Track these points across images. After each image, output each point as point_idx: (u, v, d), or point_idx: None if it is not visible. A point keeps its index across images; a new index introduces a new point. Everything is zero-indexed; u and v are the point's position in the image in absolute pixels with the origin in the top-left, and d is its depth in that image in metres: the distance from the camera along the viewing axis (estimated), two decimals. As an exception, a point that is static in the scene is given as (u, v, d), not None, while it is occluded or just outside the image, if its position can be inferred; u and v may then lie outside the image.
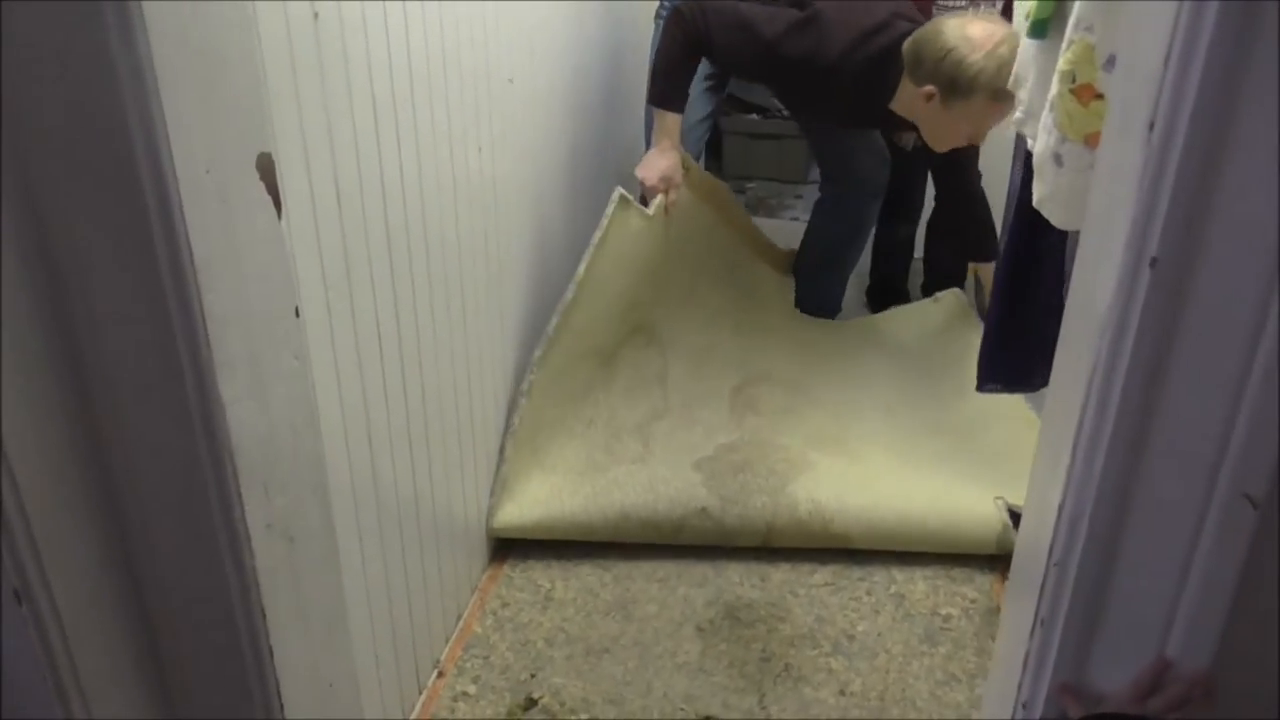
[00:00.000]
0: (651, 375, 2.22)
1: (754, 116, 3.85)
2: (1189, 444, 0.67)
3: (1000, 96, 1.94)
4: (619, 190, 2.10)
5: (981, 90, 1.95)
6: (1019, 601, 0.86)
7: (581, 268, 2.05)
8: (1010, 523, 1.95)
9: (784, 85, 2.36)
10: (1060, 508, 0.74)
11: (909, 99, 2.10)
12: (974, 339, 2.04)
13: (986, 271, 2.35)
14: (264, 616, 0.94)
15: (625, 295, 2.22)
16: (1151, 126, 0.61)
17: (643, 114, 2.59)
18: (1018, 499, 1.92)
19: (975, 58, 1.93)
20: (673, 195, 2.24)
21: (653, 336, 2.34)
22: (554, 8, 2.11)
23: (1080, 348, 0.74)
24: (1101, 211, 0.72)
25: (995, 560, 1.99)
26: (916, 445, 2.21)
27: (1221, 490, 0.67)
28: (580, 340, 2.11)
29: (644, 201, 2.21)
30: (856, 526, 1.99)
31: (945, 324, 2.63)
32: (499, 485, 1.97)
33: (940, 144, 2.18)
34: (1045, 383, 1.69)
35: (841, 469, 2.11)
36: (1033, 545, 0.83)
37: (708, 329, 2.42)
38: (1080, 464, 0.71)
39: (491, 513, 1.97)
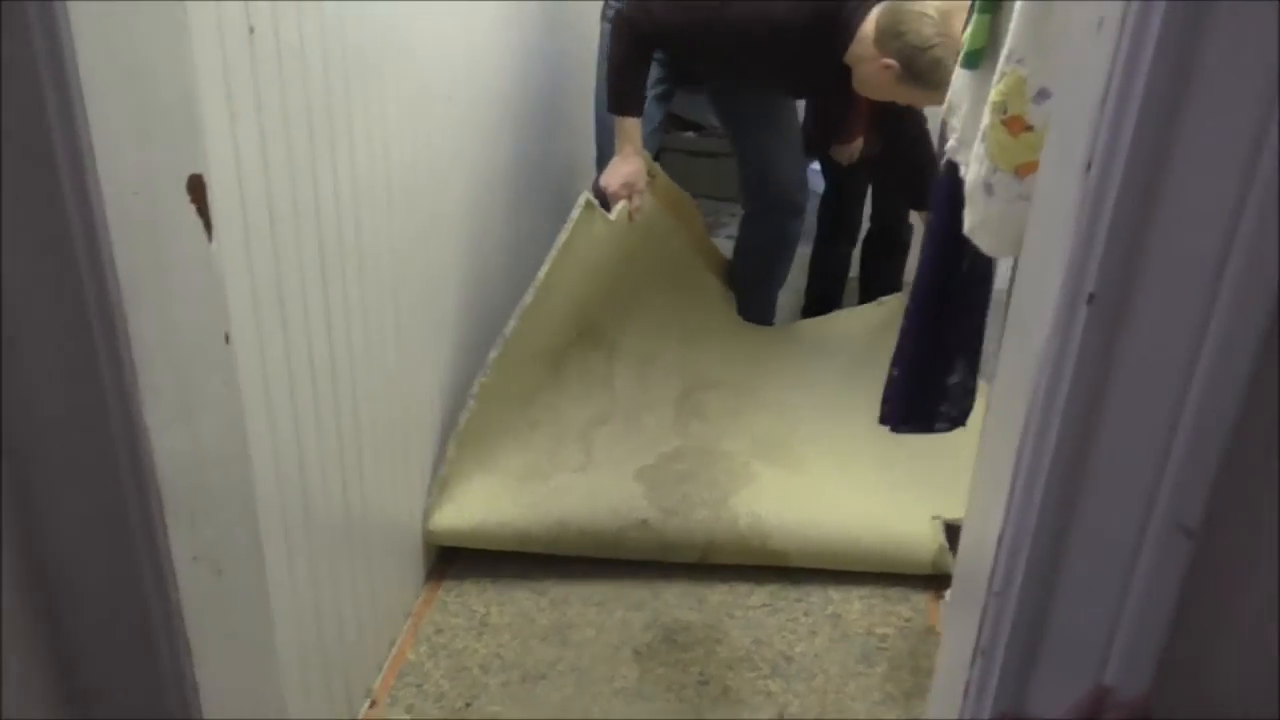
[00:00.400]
0: (598, 379, 2.21)
1: (691, 134, 3.87)
2: (1125, 476, 0.68)
3: None
4: (586, 194, 2.09)
5: (947, 87, 1.96)
6: (959, 629, 0.86)
7: (543, 271, 2.03)
8: (946, 543, 1.97)
9: (733, 55, 2.25)
10: (1000, 538, 0.74)
11: (863, 56, 2.07)
12: None
13: None
14: (189, 651, 0.91)
15: (579, 298, 2.21)
16: (1089, 166, 0.62)
17: (588, 123, 2.58)
18: (957, 508, 1.93)
19: (953, 60, 1.92)
20: (636, 201, 2.24)
21: (600, 340, 2.33)
22: (494, 21, 2.10)
23: (1017, 379, 0.75)
24: (1038, 246, 0.73)
25: (930, 579, 2.01)
26: (858, 452, 2.22)
27: (1157, 521, 0.68)
28: (533, 342, 2.09)
29: (606, 206, 2.20)
30: (794, 543, 2.00)
31: (887, 326, 2.65)
32: (437, 487, 1.94)
33: (866, 94, 2.18)
34: (953, 423, 1.67)
35: (783, 482, 2.12)
36: (973, 574, 0.83)
37: (654, 337, 2.41)
38: (1020, 495, 0.72)
39: (429, 514, 1.94)
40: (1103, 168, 0.61)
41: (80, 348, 0.76)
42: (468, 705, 1.69)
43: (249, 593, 1.01)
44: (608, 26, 2.37)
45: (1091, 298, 0.63)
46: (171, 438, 0.84)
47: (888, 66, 2.00)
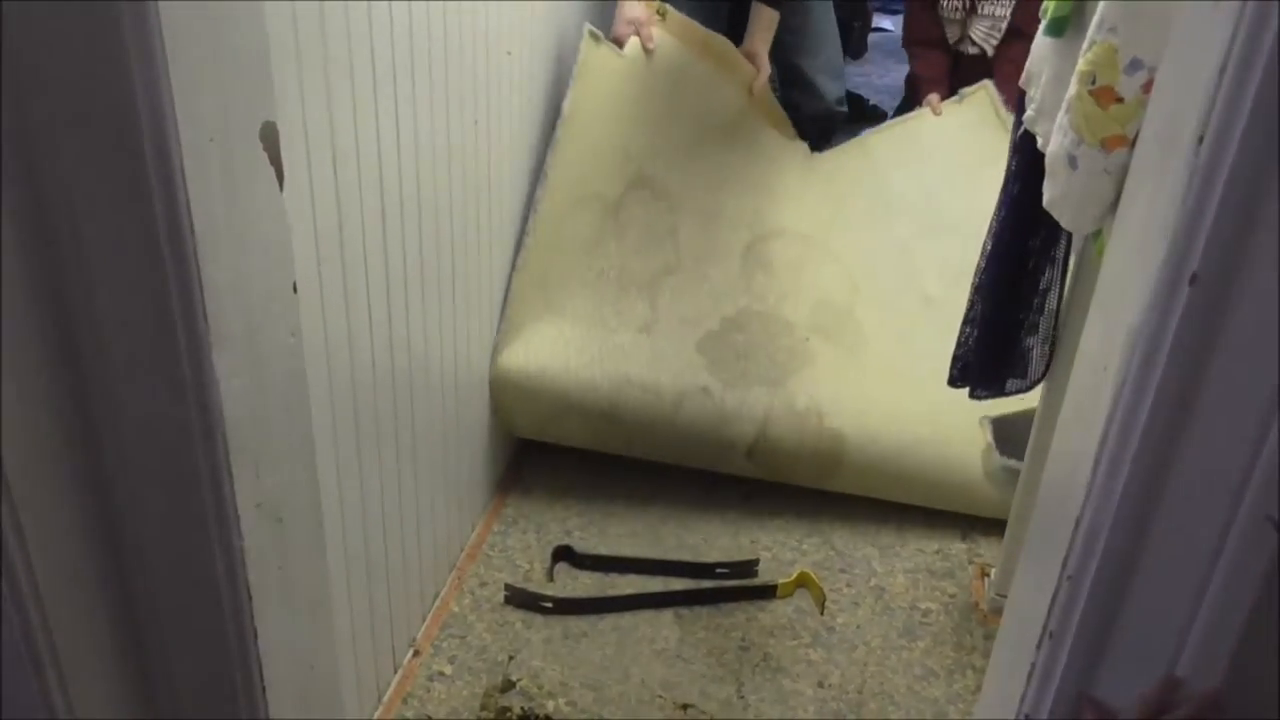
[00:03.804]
0: (663, 230, 2.21)
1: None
2: (1215, 464, 0.66)
3: None
4: (587, 26, 2.06)
5: None
6: (1025, 611, 0.85)
7: (565, 105, 2.03)
8: (993, 443, 1.96)
9: None
10: (1077, 522, 0.72)
11: None
12: (1000, 139, 1.99)
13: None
14: (250, 598, 0.91)
15: (615, 140, 2.19)
16: (1201, 139, 0.59)
17: None
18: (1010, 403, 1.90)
19: None
20: (644, 33, 2.18)
21: (658, 192, 2.28)
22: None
23: (1104, 360, 0.73)
24: (1135, 222, 0.70)
25: (975, 556, 1.99)
26: (916, 321, 2.24)
27: (1245, 512, 0.66)
28: (577, 185, 2.09)
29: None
30: (850, 425, 2.04)
31: (974, 123, 2.56)
32: (506, 325, 1.98)
33: None
34: (1029, 385, 1.68)
35: (841, 365, 2.17)
36: (1042, 556, 0.82)
37: (716, 190, 2.35)
38: (1101, 480, 0.70)
39: (497, 352, 1.97)
40: (1216, 141, 0.58)
41: (155, 293, 0.75)
42: (510, 659, 1.70)
43: (307, 541, 1.01)
44: None
45: (1194, 278, 0.61)
46: (239, 386, 0.84)
47: None
